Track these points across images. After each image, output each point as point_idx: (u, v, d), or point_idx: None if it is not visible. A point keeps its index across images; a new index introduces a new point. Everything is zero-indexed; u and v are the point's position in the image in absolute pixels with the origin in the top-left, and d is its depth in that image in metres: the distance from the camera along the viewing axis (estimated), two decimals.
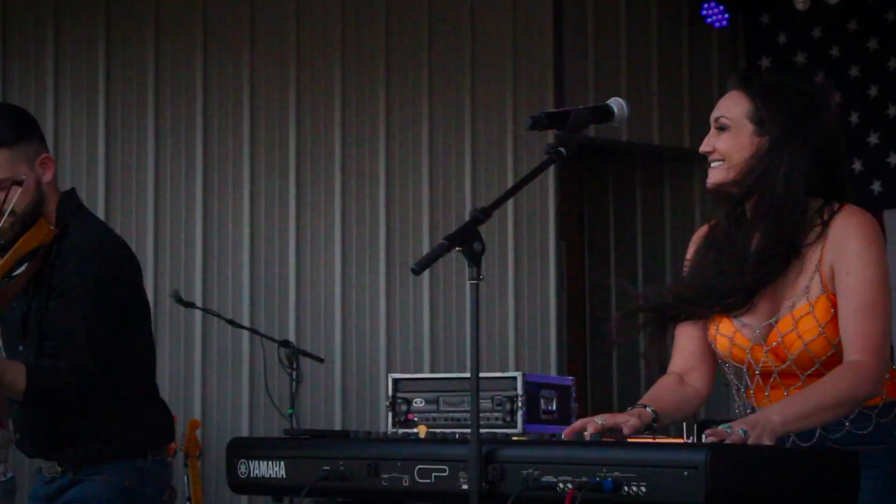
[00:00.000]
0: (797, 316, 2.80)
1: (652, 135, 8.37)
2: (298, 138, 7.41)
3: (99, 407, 3.39)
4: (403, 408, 5.71)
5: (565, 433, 2.73)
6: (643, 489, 2.33)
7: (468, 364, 7.84)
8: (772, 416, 2.61)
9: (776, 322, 2.82)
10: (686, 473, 2.28)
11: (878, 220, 2.90)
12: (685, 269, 3.00)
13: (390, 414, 5.75)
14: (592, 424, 2.68)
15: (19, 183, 3.28)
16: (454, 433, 2.90)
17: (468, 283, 2.55)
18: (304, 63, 7.42)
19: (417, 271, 2.53)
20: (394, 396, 5.76)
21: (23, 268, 3.30)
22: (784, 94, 2.90)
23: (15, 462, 5.51)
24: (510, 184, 7.78)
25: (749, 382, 2.92)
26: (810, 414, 2.67)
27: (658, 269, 8.94)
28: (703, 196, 8.87)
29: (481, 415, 5.66)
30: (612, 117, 2.78)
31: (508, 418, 5.59)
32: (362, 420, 7.30)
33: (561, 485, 2.44)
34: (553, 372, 7.86)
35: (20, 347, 3.42)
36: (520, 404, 5.58)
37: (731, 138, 2.93)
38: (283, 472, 2.87)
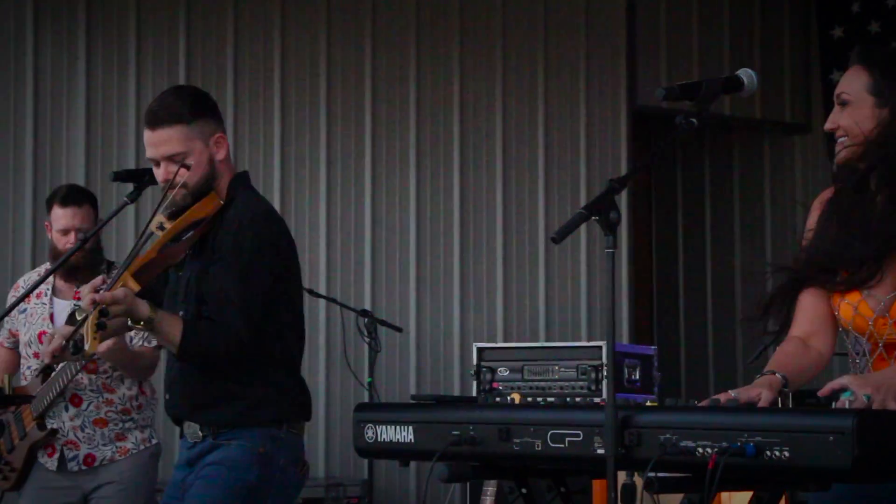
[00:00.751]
0: None
1: (723, 106, 8.36)
2: (374, 114, 7.46)
3: (243, 373, 3.54)
4: (488, 377, 5.77)
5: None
6: (786, 454, 2.36)
7: (542, 333, 7.92)
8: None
9: None
10: (832, 438, 2.30)
11: None
12: (809, 234, 3.01)
13: (475, 383, 5.81)
14: (726, 398, 2.70)
15: (187, 164, 3.49)
16: (543, 401, 2.95)
17: (605, 251, 2.58)
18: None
19: (557, 240, 2.57)
20: (478, 365, 5.83)
21: (188, 234, 3.48)
22: None
23: (165, 431, 5.62)
24: (583, 165, 7.82)
25: (869, 354, 2.93)
26: None
27: (728, 240, 8.96)
28: (772, 167, 8.86)
29: (566, 383, 5.72)
30: (743, 88, 2.80)
31: (593, 387, 5.65)
32: (437, 390, 7.35)
33: (700, 450, 2.46)
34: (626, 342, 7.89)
35: (180, 312, 3.57)
36: (605, 373, 5.63)
37: (852, 113, 2.94)
38: (411, 437, 2.91)
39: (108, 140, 6.97)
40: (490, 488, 5.16)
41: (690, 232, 9.13)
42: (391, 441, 2.94)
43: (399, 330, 6.80)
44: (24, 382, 4.96)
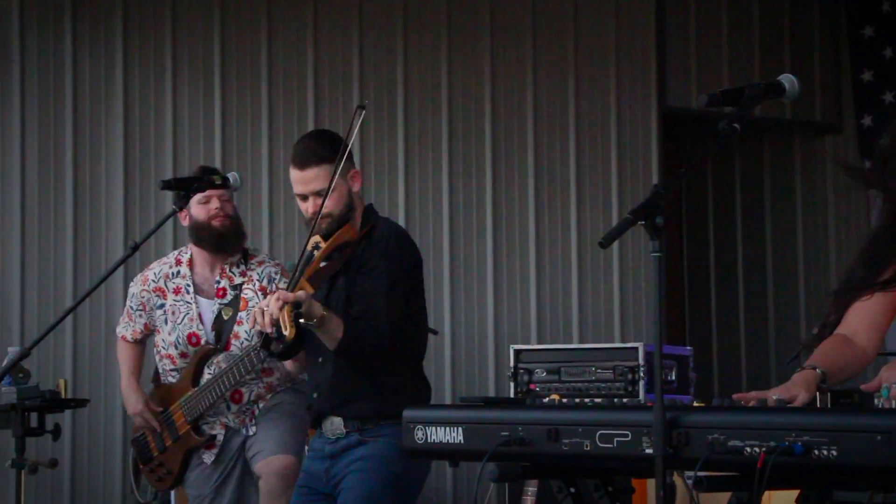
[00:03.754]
0: None
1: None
2: (406, 113, 7.52)
3: (383, 370, 4.06)
4: (525, 378, 5.83)
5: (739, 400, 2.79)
6: (834, 453, 2.41)
7: (575, 334, 7.94)
8: None
9: None
10: (879, 438, 2.34)
11: None
12: (871, 242, 3.04)
13: (512, 384, 5.87)
14: (768, 399, 2.75)
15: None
16: (591, 402, 2.99)
17: (651, 255, 2.62)
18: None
19: (605, 245, 2.62)
20: (516, 367, 5.89)
21: (333, 257, 4.10)
22: None
23: None
24: (614, 166, 7.86)
25: None
26: None
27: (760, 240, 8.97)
28: (802, 167, 8.88)
29: (603, 384, 5.76)
30: (784, 93, 2.85)
31: (630, 388, 5.69)
32: (472, 392, 7.41)
33: (748, 449, 2.51)
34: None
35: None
36: (641, 374, 5.67)
37: None
38: (460, 438, 2.97)
39: (146, 146, 7.05)
40: (531, 488, 5.21)
41: (721, 232, 9.15)
42: (441, 442, 3.00)
43: (435, 333, 6.82)
44: (170, 380, 5.01)
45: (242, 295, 4.94)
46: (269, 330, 3.87)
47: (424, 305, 4.27)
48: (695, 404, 2.84)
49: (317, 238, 4.09)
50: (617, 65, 7.92)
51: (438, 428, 3.01)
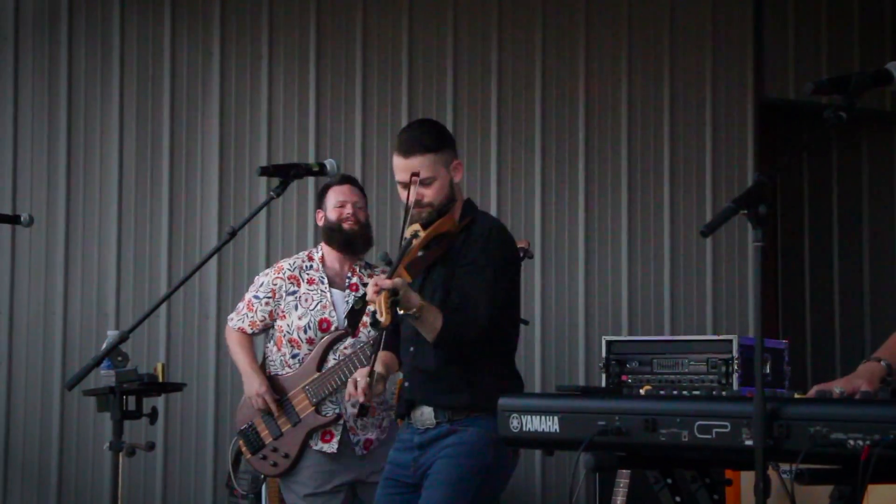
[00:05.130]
0: None
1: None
2: (499, 104, 7.51)
3: (477, 362, 4.05)
4: (617, 369, 5.78)
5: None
6: None
7: (667, 326, 7.88)
8: None
9: None
10: None
11: None
12: None
13: (604, 375, 5.83)
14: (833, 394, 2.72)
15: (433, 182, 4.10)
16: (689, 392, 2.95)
17: (751, 244, 2.59)
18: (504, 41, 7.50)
19: (707, 234, 2.60)
20: (608, 358, 5.84)
21: (432, 247, 4.10)
22: None
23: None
24: (709, 157, 7.78)
25: None
26: None
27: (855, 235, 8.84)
28: None
29: (696, 377, 5.70)
30: (892, 81, 2.80)
31: (724, 381, 5.62)
32: (563, 382, 7.38)
33: (851, 441, 2.47)
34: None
35: None
36: (735, 367, 5.60)
37: None
38: (556, 427, 2.95)
39: (241, 133, 7.11)
40: (623, 481, 5.18)
41: (817, 224, 9.03)
42: (536, 431, 2.99)
43: (525, 323, 6.80)
44: (287, 371, 5.19)
45: None
46: (362, 399, 3.95)
47: (519, 301, 4.27)
48: (795, 396, 2.79)
49: (416, 227, 4.09)
50: (714, 55, 7.84)
51: (534, 417, 3.00)
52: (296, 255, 5.44)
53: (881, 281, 8.71)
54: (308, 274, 5.28)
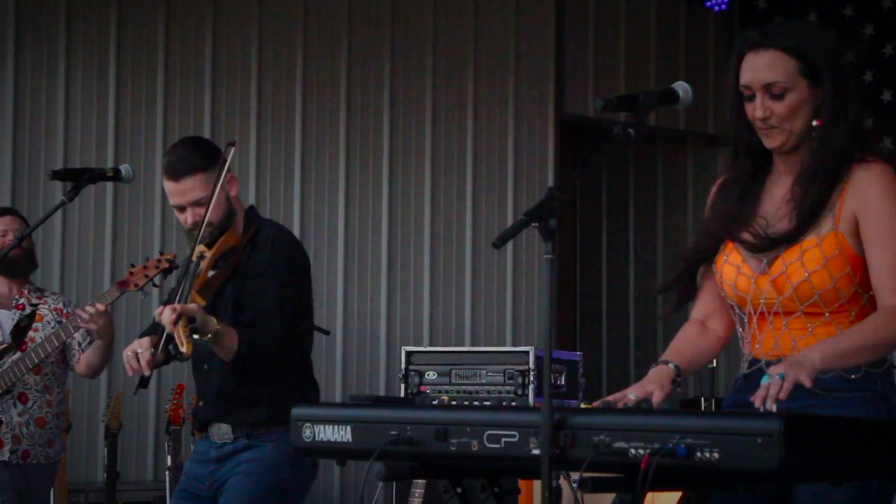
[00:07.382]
0: (804, 248, 2.87)
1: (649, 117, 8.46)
2: (304, 111, 7.50)
3: (272, 375, 3.99)
4: (416, 380, 5.83)
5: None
6: (716, 455, 2.44)
7: (467, 337, 7.97)
8: (811, 355, 2.71)
9: (783, 251, 2.90)
10: (759, 441, 2.37)
11: None
12: (706, 217, 3.10)
13: (402, 386, 5.86)
14: (627, 400, 2.80)
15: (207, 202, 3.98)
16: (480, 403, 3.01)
17: (543, 257, 2.63)
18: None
19: (498, 245, 2.63)
20: (406, 369, 5.88)
21: (220, 266, 4.02)
22: (823, 43, 2.92)
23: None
24: (511, 172, 7.92)
25: (747, 327, 2.98)
26: (849, 354, 2.77)
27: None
28: (694, 176, 9.01)
29: (492, 388, 5.79)
30: (678, 100, 2.88)
31: (520, 391, 5.72)
32: (363, 392, 7.40)
33: (633, 451, 2.53)
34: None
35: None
36: (531, 378, 5.71)
37: (788, 99, 2.90)
38: (349, 437, 2.94)
39: (36, 137, 6.95)
40: (418, 490, 5.22)
41: (615, 238, 9.26)
42: (329, 440, 2.97)
43: (327, 333, 6.80)
44: None
45: (38, 311, 5.31)
46: (147, 373, 3.82)
47: (311, 306, 4.22)
48: (583, 406, 2.86)
49: (201, 248, 3.97)
50: (516, 71, 7.97)
51: (327, 426, 2.98)
52: None
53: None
54: None
